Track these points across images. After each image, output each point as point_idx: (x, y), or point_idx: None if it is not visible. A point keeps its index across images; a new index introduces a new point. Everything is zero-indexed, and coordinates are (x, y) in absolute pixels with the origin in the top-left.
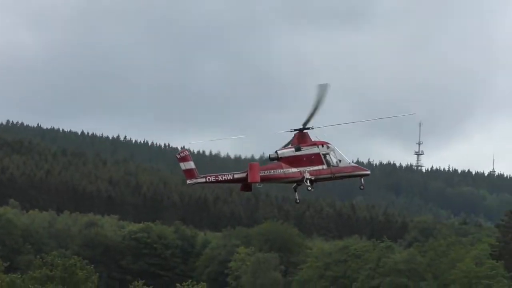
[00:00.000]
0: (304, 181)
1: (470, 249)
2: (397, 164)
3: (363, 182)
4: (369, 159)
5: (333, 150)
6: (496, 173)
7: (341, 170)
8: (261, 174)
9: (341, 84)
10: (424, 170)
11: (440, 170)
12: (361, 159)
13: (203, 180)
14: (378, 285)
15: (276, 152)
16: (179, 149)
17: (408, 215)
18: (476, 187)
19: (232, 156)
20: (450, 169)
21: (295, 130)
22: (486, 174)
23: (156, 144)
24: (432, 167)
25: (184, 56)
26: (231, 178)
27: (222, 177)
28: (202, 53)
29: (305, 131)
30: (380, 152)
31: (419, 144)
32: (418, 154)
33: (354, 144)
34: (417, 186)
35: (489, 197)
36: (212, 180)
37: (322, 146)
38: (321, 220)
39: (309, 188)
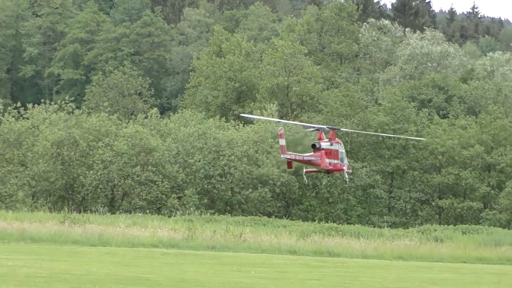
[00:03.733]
0: (345, 173)
1: None
2: None
3: (347, 177)
4: None
5: (343, 149)
6: None
7: (343, 167)
8: None
9: None
10: None
11: None
12: None
13: (289, 156)
14: None
15: (319, 142)
16: None
17: None
18: None
19: None
20: None
21: (330, 128)
22: None
23: None
24: None
25: None
26: (302, 159)
27: (297, 157)
28: None
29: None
30: None
31: None
32: None
33: None
34: None
35: None
36: (292, 158)
37: (340, 145)
38: None
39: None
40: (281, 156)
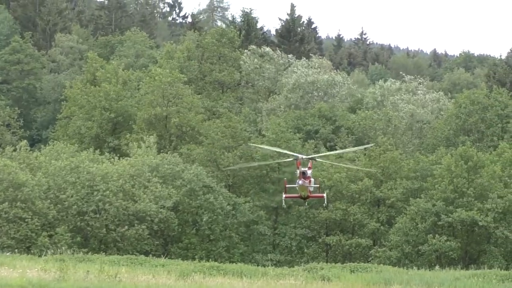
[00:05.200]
0: (324, 199)
1: None
2: None
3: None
4: None
5: None
6: None
7: (323, 194)
8: None
9: None
10: None
11: None
12: None
13: (301, 182)
14: None
15: (307, 171)
16: None
17: None
18: None
19: None
20: None
21: (309, 158)
22: None
23: None
24: None
25: None
26: (306, 186)
27: (304, 183)
28: None
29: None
30: None
31: None
32: None
33: None
34: None
35: None
36: (302, 184)
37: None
38: None
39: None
40: (297, 181)
